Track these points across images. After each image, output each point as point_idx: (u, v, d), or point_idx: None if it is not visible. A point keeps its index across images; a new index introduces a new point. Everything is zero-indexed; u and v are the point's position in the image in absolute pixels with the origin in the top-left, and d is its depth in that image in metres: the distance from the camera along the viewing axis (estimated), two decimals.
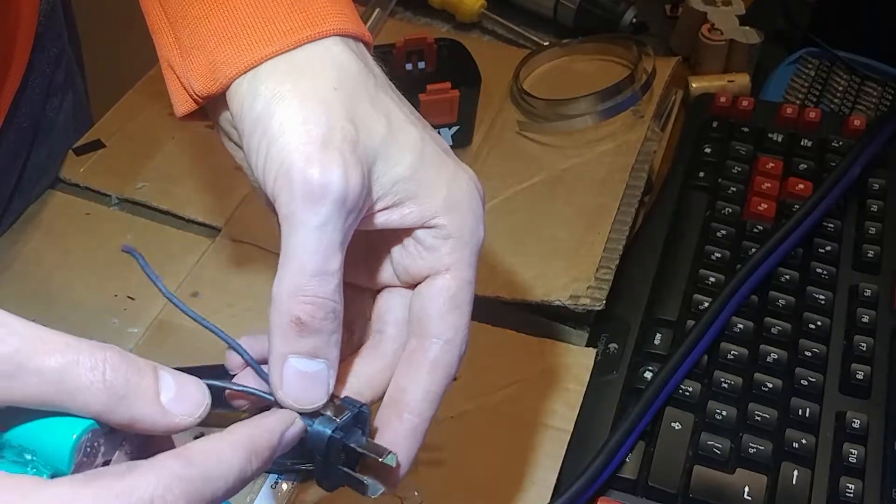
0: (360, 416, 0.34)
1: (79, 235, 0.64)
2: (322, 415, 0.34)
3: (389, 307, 0.39)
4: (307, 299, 0.32)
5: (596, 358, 0.57)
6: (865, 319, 0.58)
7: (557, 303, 0.58)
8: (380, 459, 0.33)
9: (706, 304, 0.57)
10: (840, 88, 0.77)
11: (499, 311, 0.59)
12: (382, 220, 0.36)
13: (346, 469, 0.34)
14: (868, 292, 0.60)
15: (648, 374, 0.54)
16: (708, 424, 0.52)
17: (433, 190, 0.36)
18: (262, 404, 0.35)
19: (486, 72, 0.69)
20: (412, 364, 0.36)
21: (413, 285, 0.38)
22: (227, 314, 0.59)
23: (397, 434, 0.36)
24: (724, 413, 0.53)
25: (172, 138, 0.71)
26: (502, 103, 0.74)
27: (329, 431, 0.33)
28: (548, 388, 0.55)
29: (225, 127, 0.38)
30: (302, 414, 0.33)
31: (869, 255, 0.62)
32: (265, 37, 0.35)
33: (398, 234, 0.37)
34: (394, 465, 0.33)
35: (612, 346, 0.57)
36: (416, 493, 0.51)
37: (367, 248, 0.39)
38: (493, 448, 0.53)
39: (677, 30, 0.80)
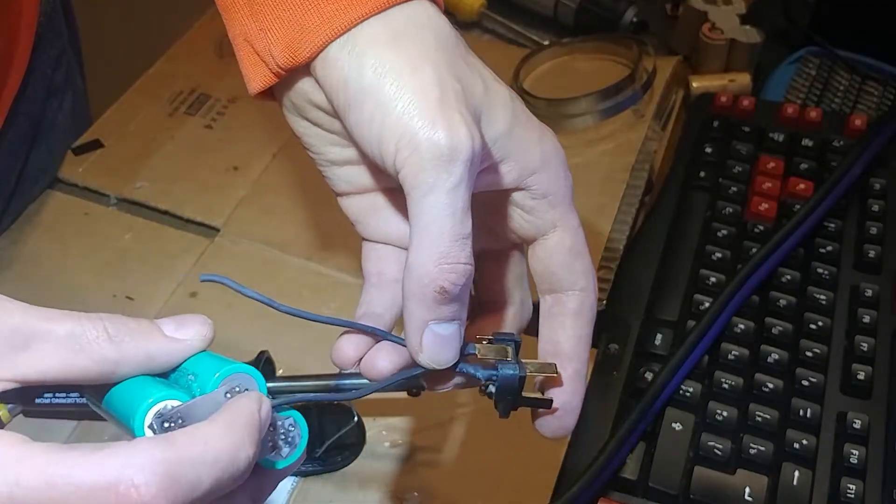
0: (518, 347, 0.37)
1: (78, 235, 0.64)
2: (489, 362, 0.36)
3: (494, 276, 0.40)
4: (450, 267, 0.32)
5: (596, 358, 0.57)
6: (866, 319, 0.58)
7: None
8: (553, 375, 0.37)
9: (707, 305, 0.57)
10: (841, 88, 0.77)
11: None
12: (483, 181, 0.36)
13: (531, 395, 0.37)
14: (869, 292, 0.59)
15: (649, 375, 0.54)
16: (708, 425, 0.52)
17: (528, 146, 0.36)
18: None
19: None
20: (556, 318, 0.38)
21: (515, 246, 0.40)
22: (227, 315, 0.59)
23: (564, 381, 0.38)
24: (724, 413, 0.52)
25: (171, 138, 0.71)
26: None
27: (517, 373, 0.35)
28: None
29: (299, 103, 0.38)
30: (485, 366, 0.36)
31: (870, 255, 0.62)
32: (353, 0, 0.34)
33: (494, 202, 0.38)
34: (556, 373, 0.37)
35: (613, 346, 0.57)
36: (415, 494, 0.51)
37: None
38: (493, 448, 0.53)
39: (678, 29, 0.80)
